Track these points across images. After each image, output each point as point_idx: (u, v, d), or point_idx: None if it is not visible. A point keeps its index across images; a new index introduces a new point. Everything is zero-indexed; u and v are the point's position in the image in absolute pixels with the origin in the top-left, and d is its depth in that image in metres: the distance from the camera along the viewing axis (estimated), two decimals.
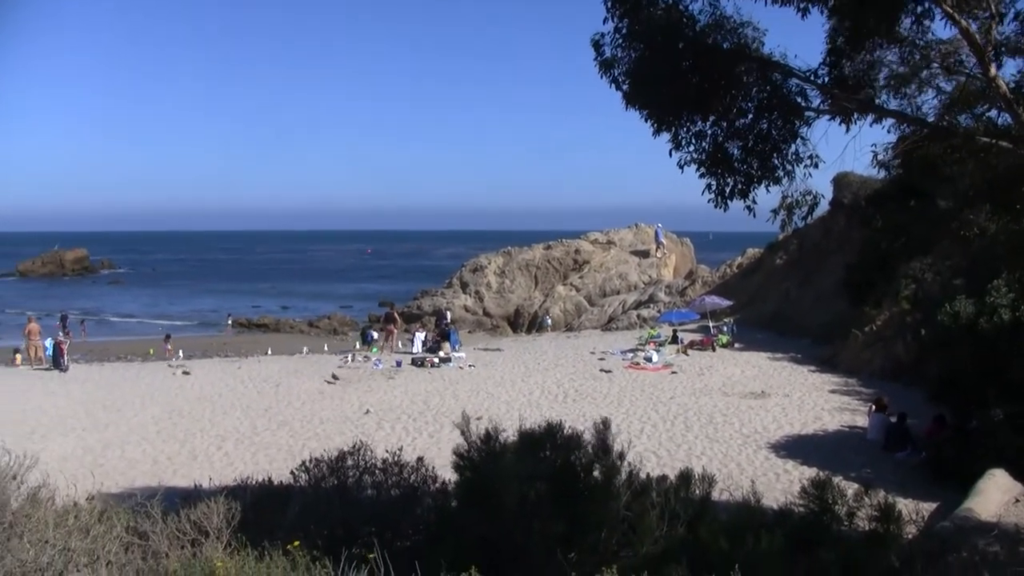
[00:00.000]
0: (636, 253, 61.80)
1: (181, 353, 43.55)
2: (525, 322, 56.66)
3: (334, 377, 34.16)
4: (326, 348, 46.24)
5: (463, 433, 9.00)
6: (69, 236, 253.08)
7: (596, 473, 8.55)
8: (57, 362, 37.26)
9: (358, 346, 44.63)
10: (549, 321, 55.08)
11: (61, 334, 38.56)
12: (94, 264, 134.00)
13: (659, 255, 60.83)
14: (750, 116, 11.81)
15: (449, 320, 48.20)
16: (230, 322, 66.33)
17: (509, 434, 9.07)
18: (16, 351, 42.79)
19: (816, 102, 12.00)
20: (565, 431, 9.01)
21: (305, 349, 44.99)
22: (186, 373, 34.88)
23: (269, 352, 43.64)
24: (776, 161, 11.74)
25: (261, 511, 9.05)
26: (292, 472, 10.60)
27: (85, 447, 23.58)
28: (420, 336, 42.84)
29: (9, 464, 7.68)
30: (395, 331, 44.29)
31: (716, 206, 12.08)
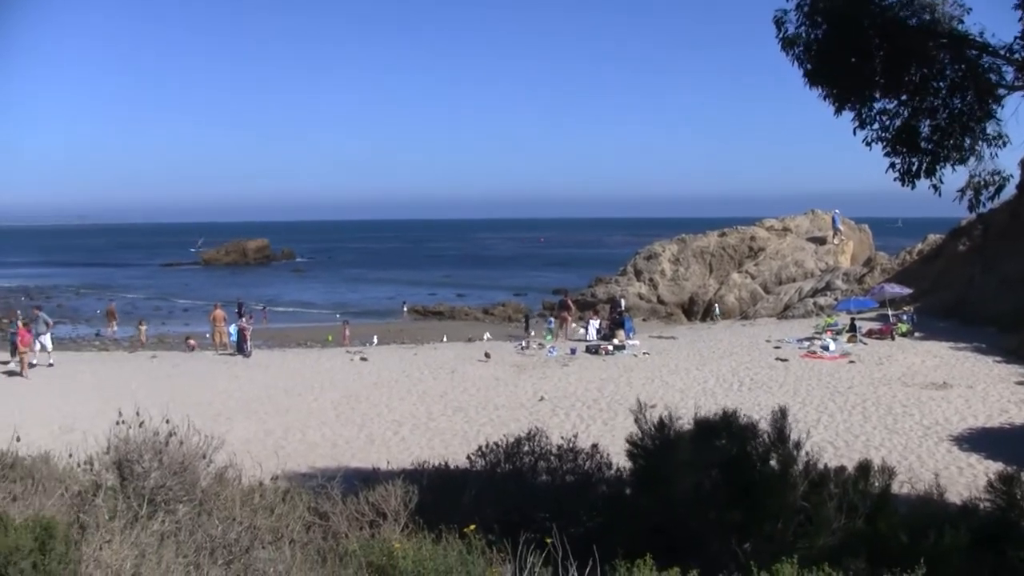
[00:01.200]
0: (812, 240, 60.39)
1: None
2: (700, 310, 56.03)
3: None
4: (487, 335, 46.58)
5: (637, 420, 8.94)
6: (249, 226, 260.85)
7: (772, 462, 8.39)
8: (241, 348, 38.38)
9: (532, 334, 44.75)
10: (718, 309, 54.41)
11: (245, 321, 39.64)
12: (275, 253, 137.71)
13: (836, 242, 59.30)
14: (942, 94, 11.40)
15: (623, 308, 48.00)
16: (406, 309, 67.38)
17: (684, 422, 8.97)
18: (188, 337, 44.40)
19: (1009, 78, 11.51)
20: (740, 420, 8.86)
21: (487, 336, 45.40)
22: (364, 359, 35.52)
23: (444, 339, 44.14)
24: (966, 140, 11.31)
25: (437, 495, 9.14)
26: (468, 457, 10.70)
27: (267, 430, 24.25)
28: (594, 323, 42.72)
29: (199, 444, 7.91)
30: (569, 318, 44.32)
31: (903, 184, 11.71)
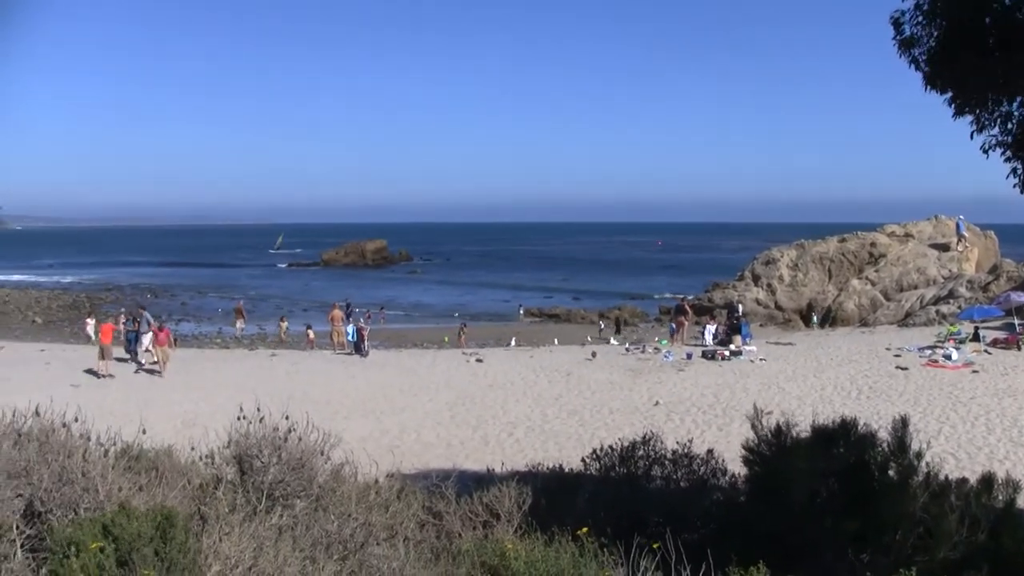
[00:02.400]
0: (935, 246, 59.05)
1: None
2: (818, 316, 55.21)
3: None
4: (599, 338, 46.40)
5: (754, 426, 8.84)
6: (366, 228, 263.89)
7: (891, 472, 8.23)
8: (358, 347, 38.86)
9: (615, 343, 44.57)
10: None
11: (363, 321, 40.12)
12: (392, 255, 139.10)
13: (960, 248, 57.88)
14: None
15: (740, 313, 47.55)
16: (522, 312, 67.54)
17: (801, 429, 8.86)
18: (309, 326, 45.12)
19: None
20: (859, 428, 8.72)
21: (613, 341, 45.29)
22: (479, 361, 35.72)
23: (556, 342, 44.09)
24: None
25: (551, 497, 9.16)
26: (583, 460, 10.69)
27: (383, 429, 24.51)
28: (711, 328, 42.35)
29: (317, 441, 8.04)
30: (686, 323, 44.03)
31: (1022, 191, 11.39)
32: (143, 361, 35.14)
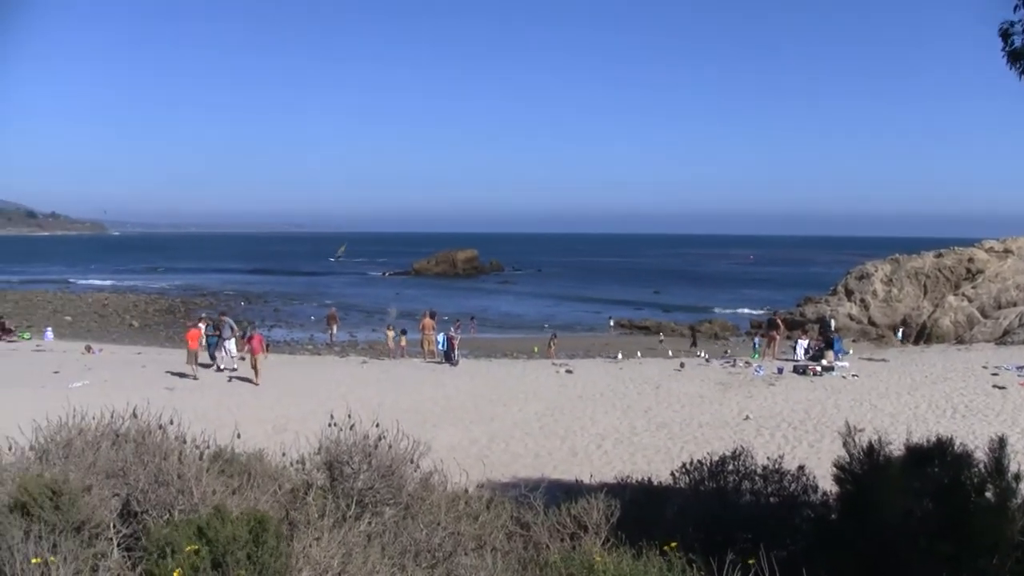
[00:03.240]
0: None
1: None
2: (912, 332, 54.28)
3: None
4: (689, 351, 46.07)
5: (846, 444, 8.72)
6: (458, 237, 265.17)
7: (988, 494, 8.07)
8: (448, 356, 39.04)
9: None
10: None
11: (453, 330, 40.31)
12: (483, 264, 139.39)
13: None
14: None
15: (833, 328, 46.98)
16: (612, 323, 67.43)
17: (894, 447, 8.71)
18: (390, 327, 45.42)
19: None
20: (955, 448, 8.56)
21: (704, 353, 45.02)
22: (569, 372, 35.70)
23: (639, 354, 43.82)
24: None
25: (639, 510, 9.11)
26: (672, 474, 10.62)
27: (471, 438, 24.56)
28: (803, 343, 41.87)
29: (407, 449, 8.09)
30: (777, 337, 43.59)
31: None
32: (223, 366, 35.63)
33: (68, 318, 68.43)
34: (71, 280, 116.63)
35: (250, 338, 34.28)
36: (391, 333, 45.42)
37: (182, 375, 33.10)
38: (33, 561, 5.47)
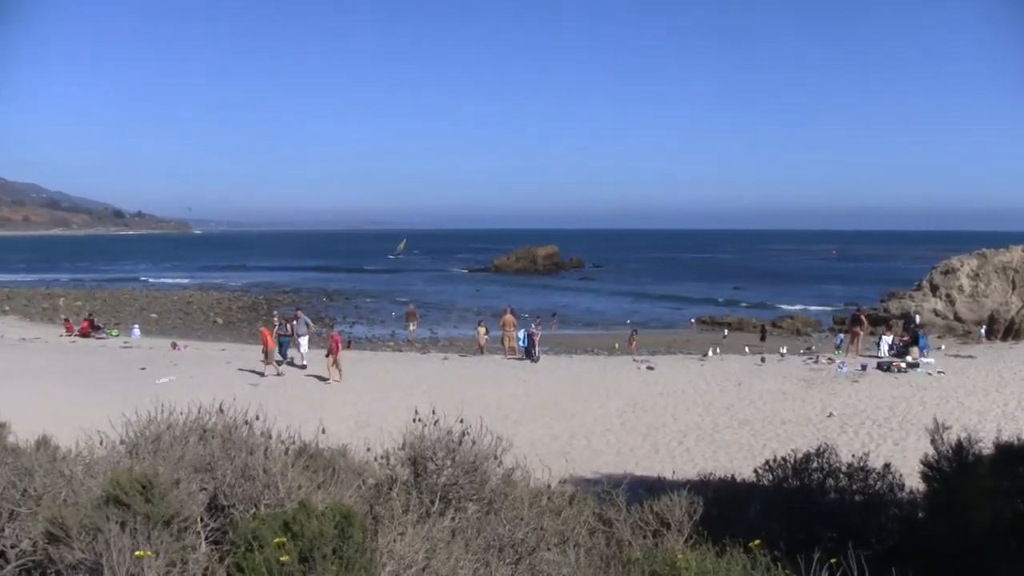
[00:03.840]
0: None
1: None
2: (1000, 328, 53.24)
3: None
4: (784, 350, 45.63)
5: (933, 441, 8.58)
6: (538, 233, 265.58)
7: None
8: (529, 353, 39.04)
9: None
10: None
11: (534, 326, 40.31)
12: (563, 261, 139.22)
13: None
14: None
15: (918, 324, 46.26)
16: (693, 320, 67.10)
17: (983, 446, 8.56)
18: (481, 323, 45.43)
19: None
20: None
21: (784, 349, 44.58)
22: (650, 368, 35.53)
23: (717, 351, 43.42)
24: None
25: (722, 508, 9.05)
26: (755, 471, 10.54)
27: (553, 434, 24.57)
28: (887, 339, 41.24)
29: (490, 445, 8.12)
30: (861, 333, 43.00)
31: None
32: (299, 363, 35.93)
33: (154, 315, 69.72)
34: (152, 279, 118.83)
35: (329, 336, 34.38)
36: (482, 330, 45.37)
37: (260, 373, 33.45)
38: (138, 554, 5.57)
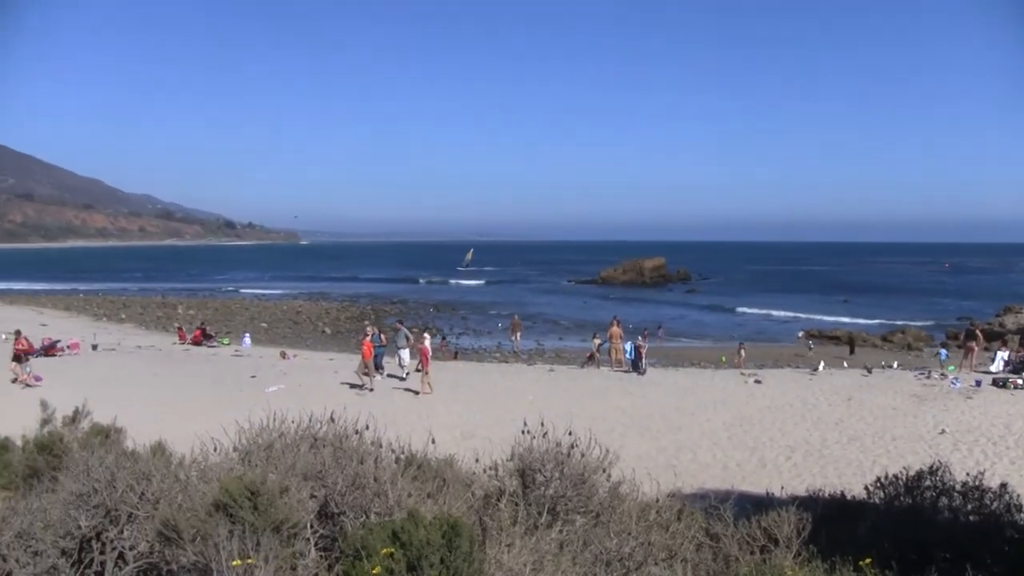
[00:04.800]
0: None
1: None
2: None
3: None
4: (884, 363, 44.82)
5: None
6: (644, 245, 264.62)
7: None
8: (636, 365, 38.88)
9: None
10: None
11: (641, 338, 40.15)
12: (670, 273, 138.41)
13: None
14: None
15: None
16: (801, 333, 66.27)
17: None
18: (596, 335, 45.17)
19: None
20: None
21: (885, 363, 43.80)
22: (758, 382, 35.17)
23: (821, 365, 42.70)
24: None
25: (831, 525, 8.91)
26: (866, 488, 10.37)
27: (659, 448, 24.45)
28: (1003, 355, 40.25)
29: (599, 458, 8.10)
30: (975, 349, 42.06)
31: None
32: (403, 375, 36.05)
33: (264, 325, 70.93)
34: (261, 290, 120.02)
35: (419, 349, 34.59)
36: (597, 341, 45.21)
37: (359, 385, 33.68)
38: (234, 564, 5.65)
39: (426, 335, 37.59)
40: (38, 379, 33.56)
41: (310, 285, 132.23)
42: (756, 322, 79.32)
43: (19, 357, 34.95)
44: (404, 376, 35.56)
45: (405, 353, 36.68)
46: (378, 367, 36.24)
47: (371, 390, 32.91)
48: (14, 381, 33.82)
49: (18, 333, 37.02)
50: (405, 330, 38.54)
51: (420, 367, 33.63)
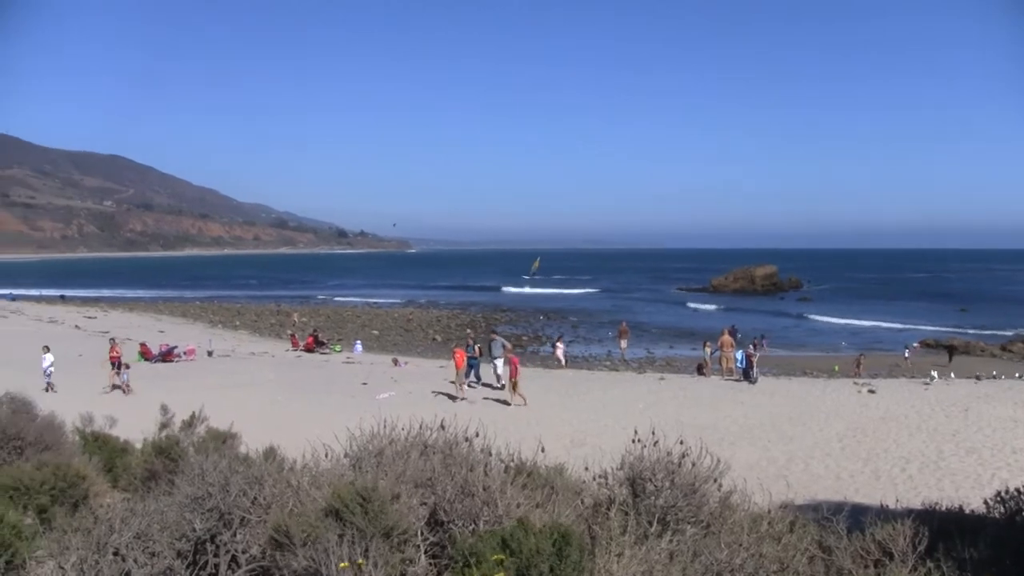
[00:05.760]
0: None
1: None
2: None
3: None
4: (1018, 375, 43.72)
5: None
6: (755, 253, 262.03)
7: None
8: (747, 374, 38.49)
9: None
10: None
11: (752, 347, 39.74)
12: (782, 281, 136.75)
13: None
14: None
15: None
16: (916, 343, 65.04)
17: None
18: (707, 343, 44.78)
19: None
20: None
21: (994, 372, 42.85)
22: (871, 392, 34.55)
23: (934, 375, 41.75)
24: None
25: (948, 539, 8.72)
26: (985, 502, 10.12)
27: (770, 458, 24.16)
28: None
29: (710, 467, 8.02)
30: None
31: None
32: (499, 384, 35.96)
33: (375, 332, 71.77)
34: (371, 299, 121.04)
35: (509, 359, 34.34)
36: (708, 350, 44.78)
37: (452, 396, 33.75)
38: (343, 565, 5.70)
39: (504, 343, 37.71)
40: (129, 386, 34.44)
41: (421, 293, 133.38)
42: (869, 330, 77.92)
43: (115, 364, 35.86)
44: (500, 386, 35.52)
45: (500, 363, 36.62)
46: (476, 377, 36.37)
47: (464, 399, 33.10)
48: (112, 388, 34.65)
49: (112, 341, 37.93)
50: (502, 339, 38.50)
51: (510, 378, 33.32)
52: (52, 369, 34.51)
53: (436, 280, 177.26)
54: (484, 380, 37.05)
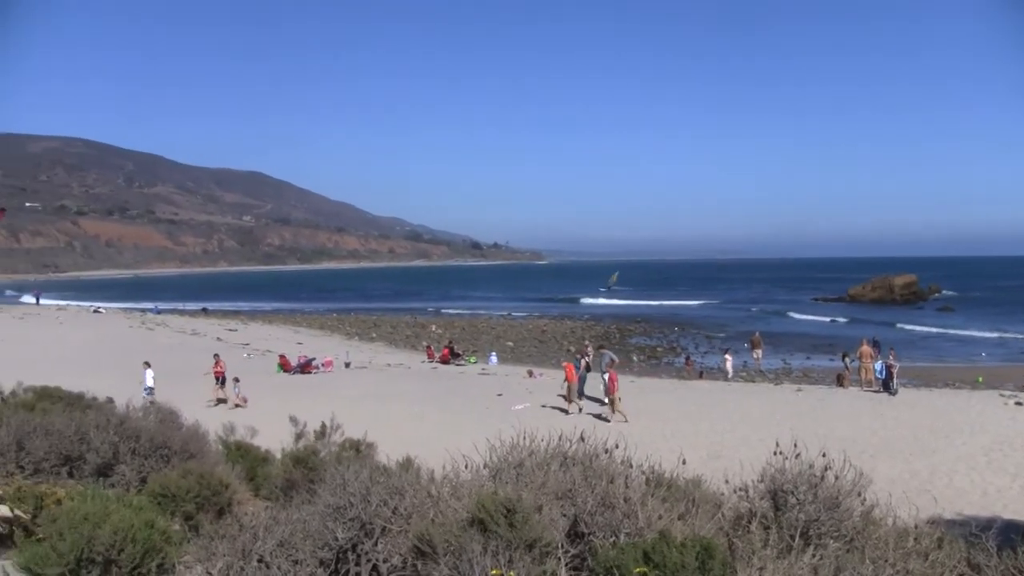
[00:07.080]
0: None
1: None
2: None
3: None
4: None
5: None
6: (894, 261, 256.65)
7: None
8: (887, 385, 37.75)
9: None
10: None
11: (892, 358, 38.95)
12: (922, 290, 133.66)
13: None
14: None
15: None
16: None
17: None
18: (846, 354, 44.03)
19: None
20: None
21: None
22: (1019, 404, 33.58)
23: None
24: None
25: None
26: None
27: (912, 471, 23.65)
28: None
29: (852, 480, 7.91)
30: None
31: None
32: (598, 398, 35.53)
33: (510, 343, 72.17)
34: (501, 311, 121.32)
35: (609, 374, 33.38)
36: (847, 360, 44.04)
37: (564, 410, 33.65)
38: (493, 572, 5.76)
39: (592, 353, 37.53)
40: (246, 399, 35.09)
41: (554, 306, 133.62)
42: (1017, 340, 75.53)
43: (218, 379, 36.94)
44: (606, 400, 35.23)
45: (606, 377, 36.29)
46: (580, 392, 36.06)
47: (580, 410, 33.30)
48: (219, 402, 35.57)
49: (217, 357, 38.69)
50: (611, 354, 38.18)
51: (609, 393, 32.81)
52: (152, 385, 35.10)
53: (563, 291, 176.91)
54: (589, 394, 36.67)
